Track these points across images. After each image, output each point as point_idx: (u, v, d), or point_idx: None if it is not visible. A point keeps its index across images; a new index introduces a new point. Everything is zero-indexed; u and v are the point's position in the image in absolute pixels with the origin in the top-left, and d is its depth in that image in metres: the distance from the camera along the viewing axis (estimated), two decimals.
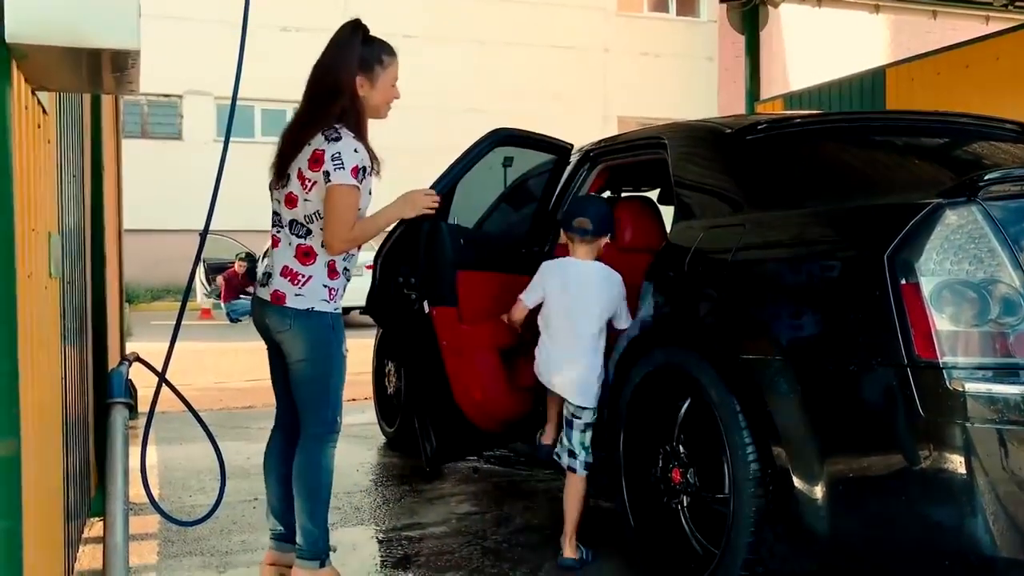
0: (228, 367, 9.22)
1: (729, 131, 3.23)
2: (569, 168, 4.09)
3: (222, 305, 16.30)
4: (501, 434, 3.85)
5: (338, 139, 2.87)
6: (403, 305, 3.53)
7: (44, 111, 2.35)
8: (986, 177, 2.24)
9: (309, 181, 2.88)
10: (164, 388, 2.68)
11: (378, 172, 2.99)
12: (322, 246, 2.90)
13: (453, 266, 3.56)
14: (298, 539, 3.00)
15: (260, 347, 3.13)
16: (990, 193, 2.24)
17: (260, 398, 7.15)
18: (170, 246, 18.22)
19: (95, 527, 3.57)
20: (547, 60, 22.63)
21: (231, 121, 2.77)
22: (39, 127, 2.26)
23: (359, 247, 3.01)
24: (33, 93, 2.17)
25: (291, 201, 2.93)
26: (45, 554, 2.24)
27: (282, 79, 21.30)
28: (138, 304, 18.12)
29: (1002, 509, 2.09)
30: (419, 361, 3.60)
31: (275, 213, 3.02)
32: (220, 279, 16.31)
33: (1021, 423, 2.09)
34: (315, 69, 2.97)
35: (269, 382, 3.18)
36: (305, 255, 2.92)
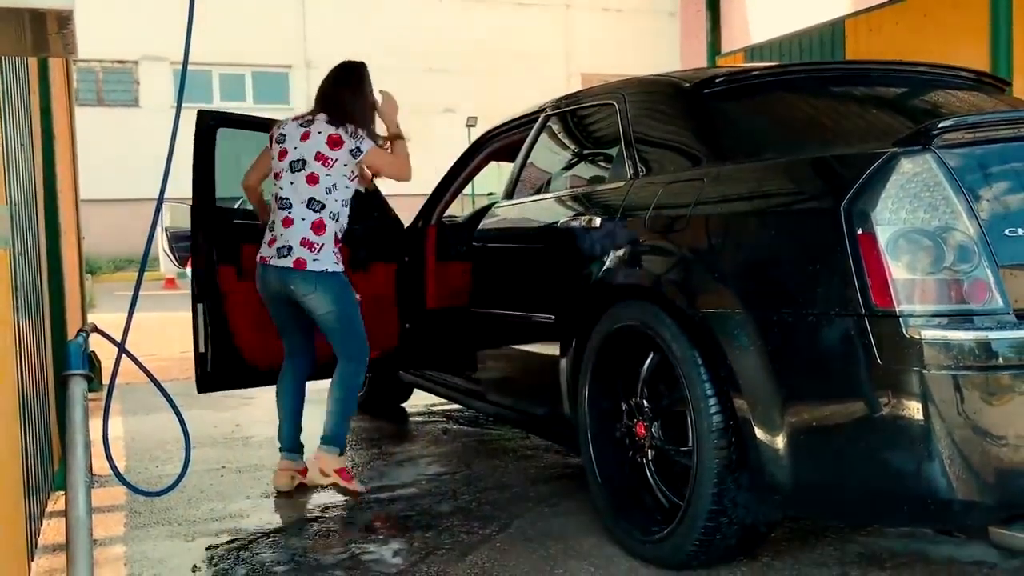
0: None
1: (687, 85, 3.22)
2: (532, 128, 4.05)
3: (187, 273, 16.12)
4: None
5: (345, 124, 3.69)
6: None
7: None
8: (940, 125, 2.24)
9: (331, 160, 3.63)
10: (125, 359, 2.65)
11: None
12: (330, 218, 3.64)
13: None
14: (325, 431, 3.72)
15: None
16: (944, 141, 2.24)
17: None
18: (132, 215, 17.97)
19: (58, 501, 3.54)
20: (508, 17, 22.37)
21: (182, 86, 2.73)
22: None
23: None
24: None
25: (313, 180, 3.63)
26: (5, 529, 2.21)
27: (238, 42, 21.00)
28: (100, 275, 17.89)
29: (958, 453, 2.12)
30: None
31: (283, 198, 3.66)
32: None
33: (975, 368, 2.12)
34: None
35: None
36: (318, 227, 3.63)
